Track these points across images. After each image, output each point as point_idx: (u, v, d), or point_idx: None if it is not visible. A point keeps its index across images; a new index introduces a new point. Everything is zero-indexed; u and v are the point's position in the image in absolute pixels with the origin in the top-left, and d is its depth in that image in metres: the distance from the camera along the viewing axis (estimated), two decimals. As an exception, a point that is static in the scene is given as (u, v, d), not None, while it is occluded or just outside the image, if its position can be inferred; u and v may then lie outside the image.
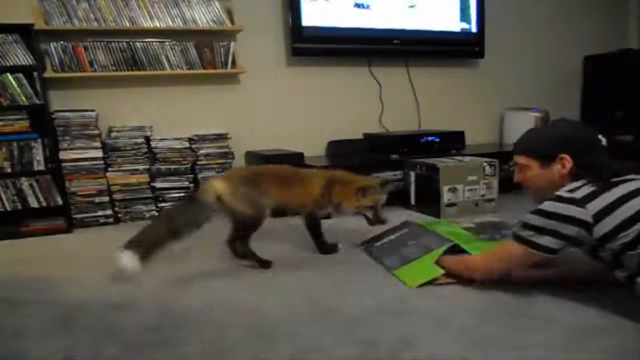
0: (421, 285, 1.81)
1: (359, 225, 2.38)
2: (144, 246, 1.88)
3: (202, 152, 3.26)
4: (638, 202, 1.43)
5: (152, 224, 2.05)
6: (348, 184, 2.23)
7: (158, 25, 3.14)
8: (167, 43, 3.19)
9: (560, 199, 1.49)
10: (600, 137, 1.60)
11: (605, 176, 1.51)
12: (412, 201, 3.20)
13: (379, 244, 2.29)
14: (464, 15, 3.91)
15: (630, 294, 1.55)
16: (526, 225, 1.55)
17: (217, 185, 2.07)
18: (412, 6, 3.72)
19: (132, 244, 1.88)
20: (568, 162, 1.56)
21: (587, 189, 1.48)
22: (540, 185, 1.63)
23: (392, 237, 2.29)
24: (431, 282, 1.82)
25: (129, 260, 1.83)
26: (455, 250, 1.94)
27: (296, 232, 2.75)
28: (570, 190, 1.50)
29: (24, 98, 2.86)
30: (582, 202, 1.46)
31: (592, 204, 1.45)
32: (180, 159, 3.23)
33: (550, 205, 1.50)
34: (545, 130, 1.71)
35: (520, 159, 1.68)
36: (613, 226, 1.42)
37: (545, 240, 1.50)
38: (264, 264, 2.13)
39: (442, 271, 1.86)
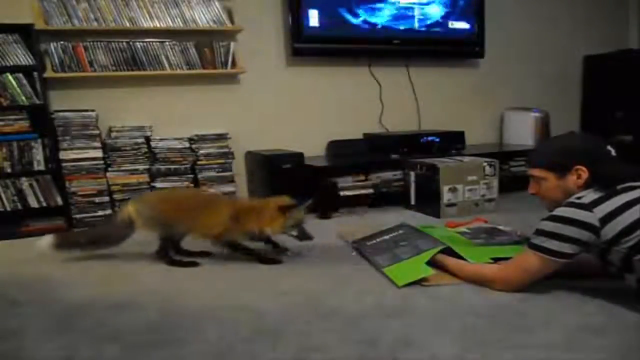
0: (408, 285, 1.82)
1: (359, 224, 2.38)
2: (64, 240, 2.29)
3: (202, 152, 3.26)
4: None
5: (83, 230, 2.49)
6: (263, 208, 2.18)
7: (158, 25, 3.14)
8: (167, 43, 3.19)
9: (570, 205, 1.55)
10: (609, 147, 1.65)
11: (613, 183, 1.55)
12: (412, 201, 3.20)
13: (371, 243, 2.29)
14: (464, 15, 3.91)
15: (630, 293, 1.56)
16: (539, 232, 1.59)
17: (129, 209, 2.26)
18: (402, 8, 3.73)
19: (57, 235, 2.30)
20: (584, 172, 1.60)
21: (595, 195, 1.53)
22: (556, 196, 1.66)
23: (386, 237, 2.29)
24: (419, 282, 1.83)
25: (44, 242, 2.23)
26: (448, 253, 1.95)
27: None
28: (579, 197, 1.55)
29: (24, 98, 2.86)
30: (590, 206, 1.51)
31: (599, 208, 1.50)
32: (180, 159, 3.23)
33: (561, 211, 1.56)
34: (558, 143, 1.74)
35: (536, 172, 1.72)
36: (619, 230, 1.46)
37: (558, 245, 1.54)
38: (189, 265, 2.22)
39: (431, 271, 1.87)
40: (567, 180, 1.63)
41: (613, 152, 1.64)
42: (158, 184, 3.17)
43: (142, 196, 2.48)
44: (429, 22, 3.81)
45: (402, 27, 3.73)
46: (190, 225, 2.24)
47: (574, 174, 1.62)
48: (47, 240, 2.24)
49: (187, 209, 2.24)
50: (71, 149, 2.99)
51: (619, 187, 1.53)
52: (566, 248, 1.53)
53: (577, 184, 1.61)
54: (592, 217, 1.49)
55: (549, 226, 1.56)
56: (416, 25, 3.77)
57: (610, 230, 1.47)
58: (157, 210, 2.24)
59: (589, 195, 1.54)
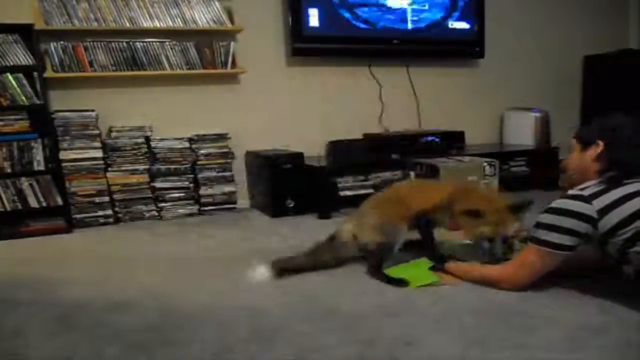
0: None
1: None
2: (283, 267, 2.00)
3: (202, 152, 3.26)
4: (639, 201, 1.46)
5: (302, 255, 2.10)
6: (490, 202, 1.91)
7: (158, 25, 3.14)
8: (167, 43, 3.19)
9: (569, 197, 1.55)
10: None
11: (626, 170, 1.54)
12: (412, 201, 3.19)
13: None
14: (464, 15, 3.91)
15: (630, 290, 1.56)
16: (537, 225, 1.60)
17: (347, 227, 2.11)
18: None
19: (275, 262, 2.01)
20: (599, 147, 1.61)
21: (596, 187, 1.53)
22: (573, 167, 1.69)
23: None
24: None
25: (259, 273, 1.97)
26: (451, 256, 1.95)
27: (296, 231, 2.76)
28: (582, 189, 1.55)
29: (24, 98, 2.86)
30: (589, 199, 1.51)
31: (598, 200, 1.50)
32: (180, 159, 3.23)
33: (559, 203, 1.56)
34: (600, 119, 1.73)
35: (572, 141, 1.74)
36: (615, 222, 1.47)
37: (557, 238, 1.54)
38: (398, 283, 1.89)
39: (435, 278, 1.86)
40: (587, 153, 1.64)
41: None
42: (158, 184, 3.18)
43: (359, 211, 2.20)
44: (429, 22, 3.80)
45: (402, 27, 3.73)
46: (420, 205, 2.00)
47: (593, 149, 1.62)
48: (261, 271, 1.99)
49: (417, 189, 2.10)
50: (71, 149, 2.99)
51: (625, 180, 1.52)
52: (565, 240, 1.53)
53: (592, 158, 1.62)
54: (590, 208, 1.49)
55: (547, 218, 1.56)
56: (416, 25, 3.77)
57: (608, 222, 1.47)
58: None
59: (591, 188, 1.53)
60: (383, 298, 1.74)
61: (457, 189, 2.02)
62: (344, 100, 3.75)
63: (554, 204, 1.57)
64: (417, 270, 1.94)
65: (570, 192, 1.56)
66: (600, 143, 1.60)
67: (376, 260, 1.98)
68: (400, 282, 1.85)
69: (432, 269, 1.91)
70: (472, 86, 4.14)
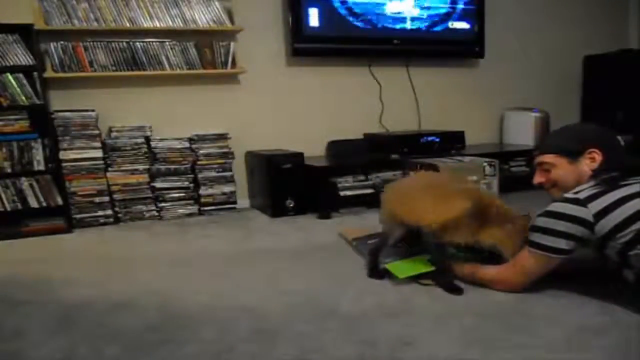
0: (408, 278, 1.83)
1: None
2: None
3: (202, 152, 3.26)
4: (637, 203, 1.45)
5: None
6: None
7: (158, 25, 3.14)
8: (167, 43, 3.19)
9: (564, 200, 1.54)
10: (618, 137, 1.66)
11: (626, 170, 1.53)
12: (412, 201, 3.19)
13: (372, 241, 2.28)
14: (464, 15, 3.91)
15: (630, 292, 1.55)
16: (533, 228, 1.58)
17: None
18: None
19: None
20: (598, 155, 1.60)
21: (591, 190, 1.52)
22: (567, 182, 1.64)
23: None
24: (418, 282, 1.84)
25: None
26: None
27: (296, 231, 2.76)
28: (577, 192, 1.54)
29: (24, 98, 2.86)
30: (584, 202, 1.50)
31: (594, 204, 1.48)
32: (180, 159, 3.23)
33: (555, 206, 1.55)
34: (572, 129, 1.74)
35: (546, 158, 1.70)
36: (613, 225, 1.46)
37: (552, 241, 1.53)
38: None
39: (432, 268, 1.86)
40: (580, 163, 1.62)
41: (622, 142, 1.64)
42: (158, 184, 3.18)
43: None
44: (428, 22, 3.80)
45: (402, 27, 3.73)
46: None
47: (587, 158, 1.61)
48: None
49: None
50: (71, 149, 2.99)
51: (620, 182, 1.51)
52: (561, 243, 1.52)
53: (591, 167, 1.60)
54: (586, 212, 1.48)
55: (542, 222, 1.55)
56: (416, 25, 3.77)
57: (605, 225, 1.46)
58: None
59: (586, 191, 1.52)
60: (383, 298, 1.74)
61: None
62: (344, 100, 3.75)
63: (549, 208, 1.56)
64: (414, 261, 1.93)
65: (565, 195, 1.56)
66: (596, 150, 1.60)
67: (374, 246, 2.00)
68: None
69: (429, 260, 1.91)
70: (472, 86, 4.14)
